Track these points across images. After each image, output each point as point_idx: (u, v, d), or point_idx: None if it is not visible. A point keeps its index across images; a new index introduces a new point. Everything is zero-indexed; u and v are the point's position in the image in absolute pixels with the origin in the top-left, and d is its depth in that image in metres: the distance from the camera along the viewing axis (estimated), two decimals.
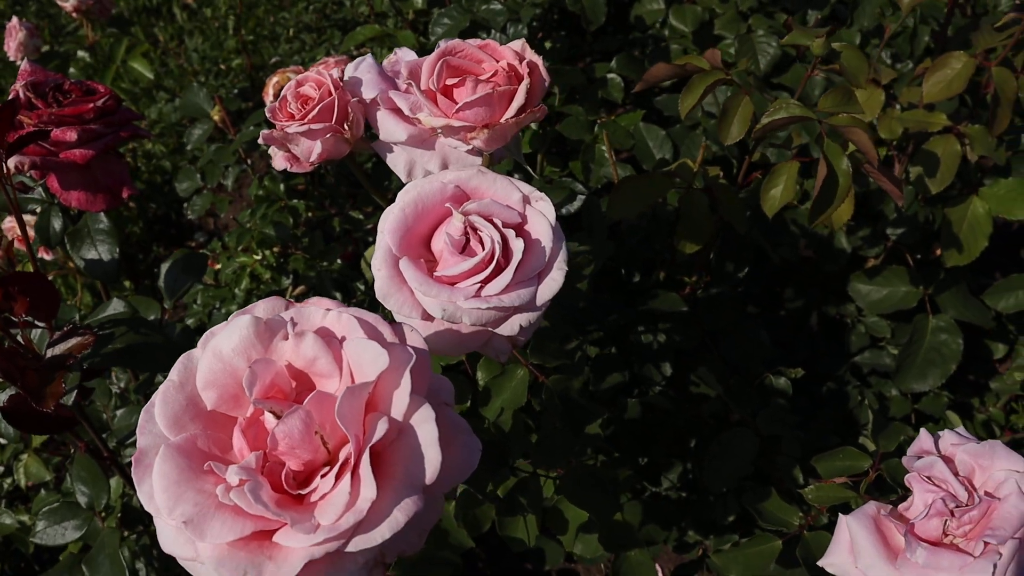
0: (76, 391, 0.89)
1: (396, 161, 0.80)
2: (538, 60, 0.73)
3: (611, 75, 1.43)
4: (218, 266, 1.47)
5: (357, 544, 0.49)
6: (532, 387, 0.91)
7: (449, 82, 0.72)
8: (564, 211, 1.20)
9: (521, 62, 0.72)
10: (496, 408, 0.90)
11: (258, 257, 1.40)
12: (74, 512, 1.00)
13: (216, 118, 1.45)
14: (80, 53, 1.60)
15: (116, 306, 0.95)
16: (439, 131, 0.72)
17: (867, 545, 0.70)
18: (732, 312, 1.15)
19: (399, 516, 0.49)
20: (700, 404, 1.14)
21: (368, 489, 0.49)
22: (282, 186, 1.43)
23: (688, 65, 0.95)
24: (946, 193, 1.20)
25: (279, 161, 0.83)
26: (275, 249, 1.40)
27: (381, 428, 0.51)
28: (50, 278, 1.34)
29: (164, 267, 1.09)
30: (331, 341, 0.56)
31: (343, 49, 1.56)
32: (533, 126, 1.46)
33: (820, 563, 0.74)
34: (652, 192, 0.99)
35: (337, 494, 0.50)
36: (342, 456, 0.51)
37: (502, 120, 0.70)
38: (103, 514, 1.00)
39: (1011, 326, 1.44)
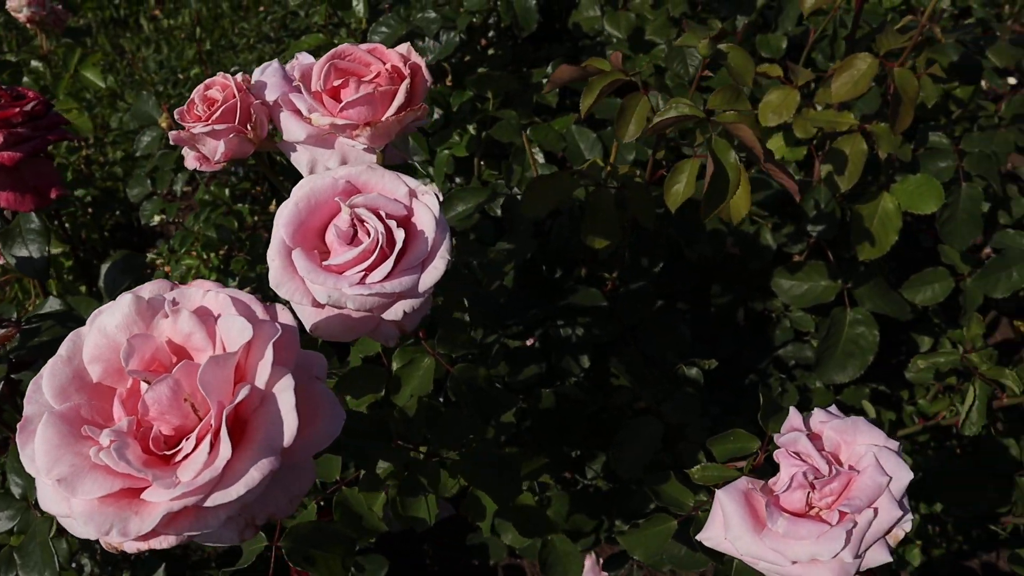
0: (4, 383, 0.93)
1: (299, 160, 0.84)
2: (421, 62, 0.78)
3: (546, 80, 1.48)
4: (168, 268, 1.51)
5: (215, 499, 0.53)
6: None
7: (336, 83, 0.77)
8: (492, 211, 1.25)
9: (405, 64, 0.77)
10: (406, 395, 0.94)
11: (205, 258, 1.44)
12: (7, 503, 1.03)
13: (164, 125, 1.49)
14: (34, 63, 1.64)
15: (52, 304, 1.00)
16: (330, 130, 0.77)
17: (736, 517, 0.74)
18: (650, 307, 1.20)
19: (255, 474, 0.53)
20: (617, 395, 1.18)
21: (225, 449, 0.53)
22: (227, 191, 1.47)
23: (588, 67, 0.99)
24: (860, 190, 1.25)
25: (190, 161, 0.87)
26: (220, 252, 1.44)
27: (241, 394, 0.55)
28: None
29: (104, 268, 1.13)
30: (207, 318, 0.60)
31: (285, 58, 1.60)
32: (471, 130, 1.51)
33: (698, 537, 0.77)
34: (561, 190, 1.03)
35: (197, 454, 0.53)
36: (205, 420, 0.55)
37: (383, 118, 0.75)
38: (37, 504, 1.03)
39: (936, 319, 1.48)
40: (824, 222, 1.30)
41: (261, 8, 2.61)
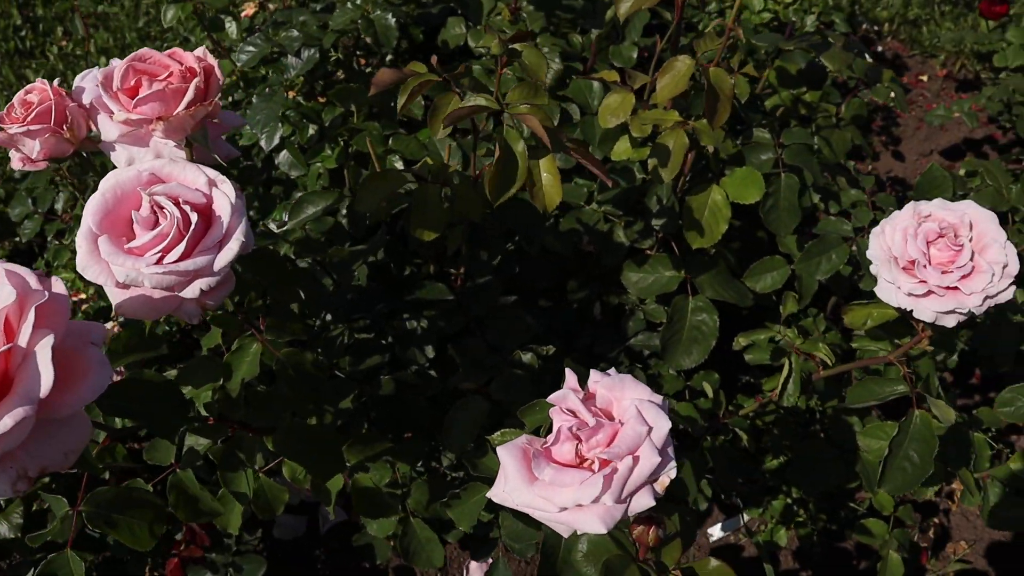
0: None
1: (118, 159, 0.90)
2: (214, 63, 0.84)
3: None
4: None
5: None
6: None
7: (133, 83, 0.83)
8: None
9: (199, 65, 0.83)
10: (238, 381, 0.99)
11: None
12: None
13: None
14: None
15: None
16: (128, 125, 0.82)
17: (512, 471, 0.80)
18: (494, 299, 1.26)
19: (8, 421, 0.58)
20: (454, 379, 1.24)
21: None
22: None
23: (406, 70, 1.06)
24: (695, 185, 1.33)
25: (16, 162, 0.92)
26: None
27: (1, 348, 0.60)
28: None
29: None
30: None
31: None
32: (340, 143, 1.58)
33: (488, 495, 0.83)
34: (388, 187, 1.10)
35: None
36: None
37: (175, 113, 0.81)
38: None
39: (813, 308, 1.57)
40: (666, 216, 1.38)
41: (168, 34, 2.67)
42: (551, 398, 0.82)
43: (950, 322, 0.92)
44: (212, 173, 0.83)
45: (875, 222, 1.46)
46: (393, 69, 1.08)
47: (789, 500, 1.62)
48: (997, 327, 1.50)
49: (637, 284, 1.40)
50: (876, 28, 3.07)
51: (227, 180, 0.82)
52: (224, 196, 0.81)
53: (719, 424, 1.29)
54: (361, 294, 1.22)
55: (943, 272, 0.90)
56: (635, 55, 1.58)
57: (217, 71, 0.84)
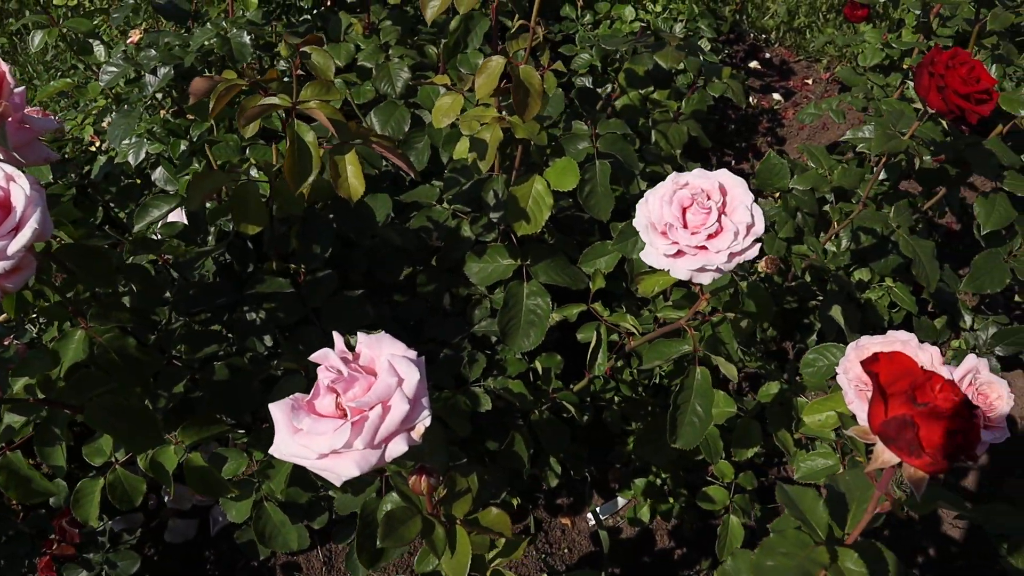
0: None
1: None
2: (5, 69, 0.91)
3: None
4: None
5: None
6: None
7: None
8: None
9: None
10: (66, 366, 1.05)
11: None
12: None
13: None
14: None
15: None
16: None
17: (281, 425, 0.86)
18: (331, 290, 1.33)
19: None
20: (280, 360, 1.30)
21: None
22: None
23: (216, 77, 1.13)
24: (522, 177, 1.42)
25: None
26: None
27: None
28: None
29: None
30: None
31: (36, 100, 1.73)
32: (207, 156, 1.64)
33: (270, 451, 0.89)
34: (212, 185, 1.17)
35: None
36: None
37: None
38: None
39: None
40: (502, 208, 1.46)
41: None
42: (313, 356, 0.89)
43: (705, 279, 1.00)
44: (10, 169, 0.89)
45: None
46: (206, 77, 1.15)
47: (650, 478, 1.70)
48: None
49: (478, 274, 1.47)
50: (764, 36, 3.21)
51: (23, 175, 0.89)
52: (20, 189, 0.88)
53: (551, 399, 1.37)
54: (204, 289, 1.28)
55: (692, 233, 0.99)
56: (481, 61, 1.66)
57: (8, 76, 0.91)
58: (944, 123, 1.49)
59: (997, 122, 1.79)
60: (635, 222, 1.04)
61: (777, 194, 1.79)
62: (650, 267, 1.03)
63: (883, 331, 2.04)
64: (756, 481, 1.53)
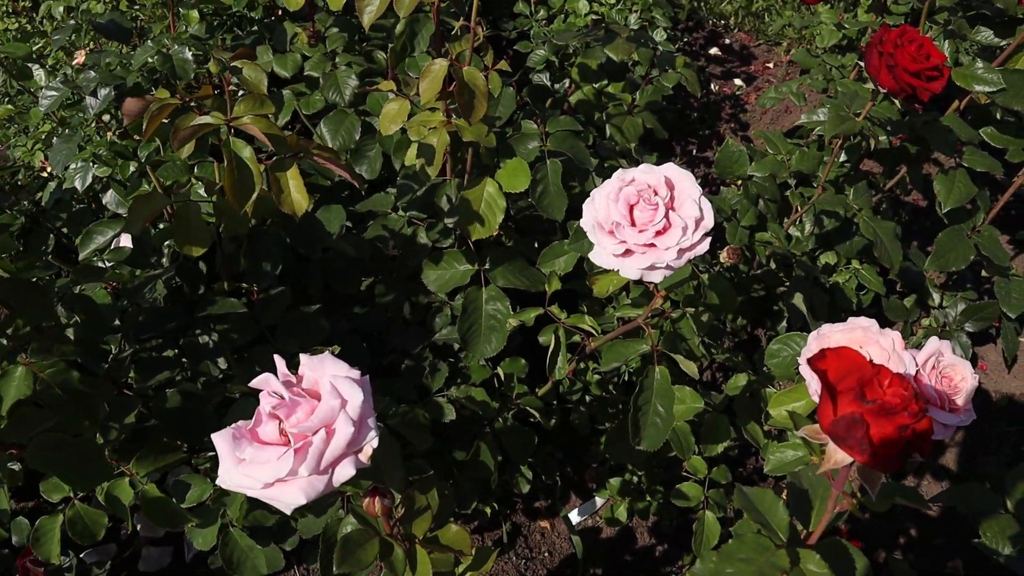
0: None
1: None
2: None
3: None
4: None
5: None
6: None
7: None
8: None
9: None
10: (8, 405, 1.02)
11: None
12: None
13: None
14: None
15: None
16: None
17: (225, 455, 0.83)
18: (282, 308, 1.30)
19: None
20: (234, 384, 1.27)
21: None
22: None
23: (149, 97, 1.10)
24: (471, 178, 1.39)
25: None
26: None
27: None
28: None
29: None
30: None
31: None
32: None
33: (217, 482, 0.86)
34: (154, 206, 1.13)
35: None
36: None
37: None
38: None
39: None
40: (455, 213, 1.43)
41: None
42: (254, 383, 0.86)
43: (656, 277, 0.98)
44: None
45: None
46: (138, 98, 1.11)
47: (626, 477, 1.68)
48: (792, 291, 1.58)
49: (436, 281, 1.45)
50: (723, 22, 3.19)
51: None
52: None
53: (515, 406, 1.34)
54: (154, 315, 1.25)
55: (640, 231, 0.96)
56: (416, 74, 1.64)
57: None
58: (897, 102, 1.47)
59: (954, 98, 1.78)
60: (582, 222, 1.01)
61: (739, 182, 1.77)
62: (602, 267, 1.00)
63: (853, 314, 2.03)
64: (730, 475, 1.51)
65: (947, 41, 1.60)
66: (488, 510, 1.61)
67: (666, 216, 0.96)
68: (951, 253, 1.68)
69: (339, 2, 1.57)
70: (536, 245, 1.78)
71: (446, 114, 1.36)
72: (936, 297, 1.94)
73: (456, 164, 1.49)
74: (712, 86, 2.93)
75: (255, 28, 2.01)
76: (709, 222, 0.97)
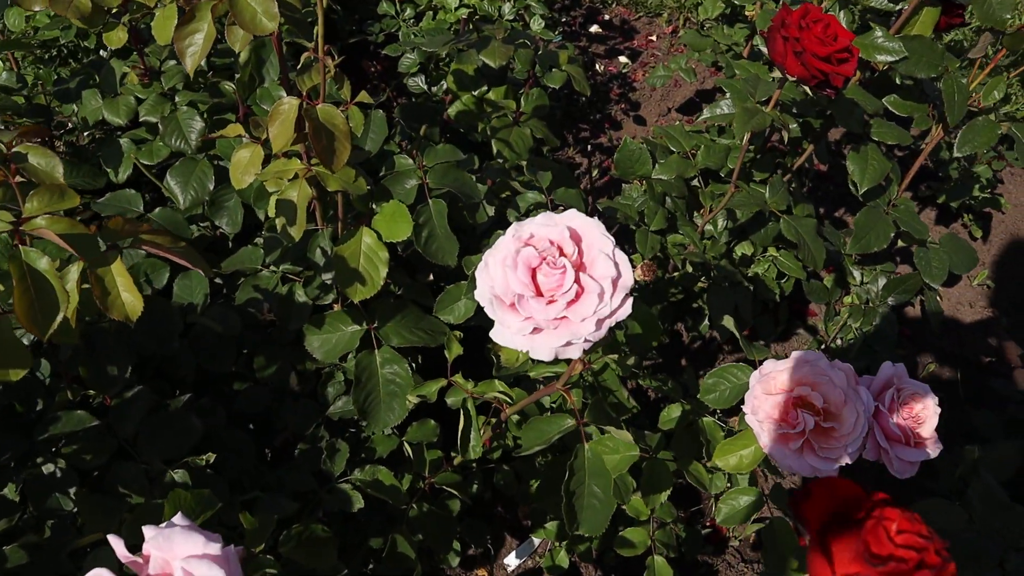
0: None
1: None
2: None
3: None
4: None
5: None
6: None
7: None
8: None
9: None
10: None
11: None
12: None
13: None
14: None
15: None
16: None
17: None
18: (142, 411, 1.10)
19: None
20: None
21: None
22: None
23: None
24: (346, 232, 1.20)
25: None
26: None
27: None
28: None
29: None
30: None
31: None
32: None
33: None
34: None
35: None
36: None
37: None
38: None
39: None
40: (332, 268, 1.25)
41: None
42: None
43: (574, 353, 0.82)
44: None
45: None
46: None
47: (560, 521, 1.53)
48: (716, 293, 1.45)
49: (321, 348, 1.26)
50: (600, 2, 3.04)
51: None
52: None
53: (428, 484, 1.17)
54: None
55: (549, 302, 0.80)
56: (284, 93, 1.43)
57: None
58: (808, 89, 1.34)
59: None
60: (477, 294, 0.84)
61: (642, 182, 1.63)
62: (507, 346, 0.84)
63: (775, 304, 1.93)
64: (675, 511, 1.38)
65: (842, 12, 1.48)
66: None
67: (576, 280, 0.80)
68: (871, 234, 1.58)
69: (167, 34, 1.35)
70: (432, 277, 1.60)
71: (307, 159, 1.17)
72: (856, 274, 1.85)
73: (328, 209, 1.30)
74: (597, 66, 2.78)
75: (90, 59, 1.76)
76: (628, 279, 0.82)
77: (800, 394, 0.95)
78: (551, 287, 0.81)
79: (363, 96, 1.13)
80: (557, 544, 1.55)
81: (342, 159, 1.09)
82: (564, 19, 2.90)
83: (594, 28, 2.90)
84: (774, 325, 1.98)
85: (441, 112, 1.77)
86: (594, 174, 2.42)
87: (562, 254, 0.82)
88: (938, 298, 1.99)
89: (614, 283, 0.81)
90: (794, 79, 1.17)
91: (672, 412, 1.29)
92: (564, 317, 0.80)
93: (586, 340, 0.81)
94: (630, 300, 0.82)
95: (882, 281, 1.83)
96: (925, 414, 0.96)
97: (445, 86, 1.70)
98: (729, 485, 1.24)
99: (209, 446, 1.19)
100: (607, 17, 2.99)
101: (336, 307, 1.35)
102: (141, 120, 1.44)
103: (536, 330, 0.81)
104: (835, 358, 1.93)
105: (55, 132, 1.88)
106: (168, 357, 1.30)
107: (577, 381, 1.16)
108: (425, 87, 2.04)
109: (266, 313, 1.35)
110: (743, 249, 1.74)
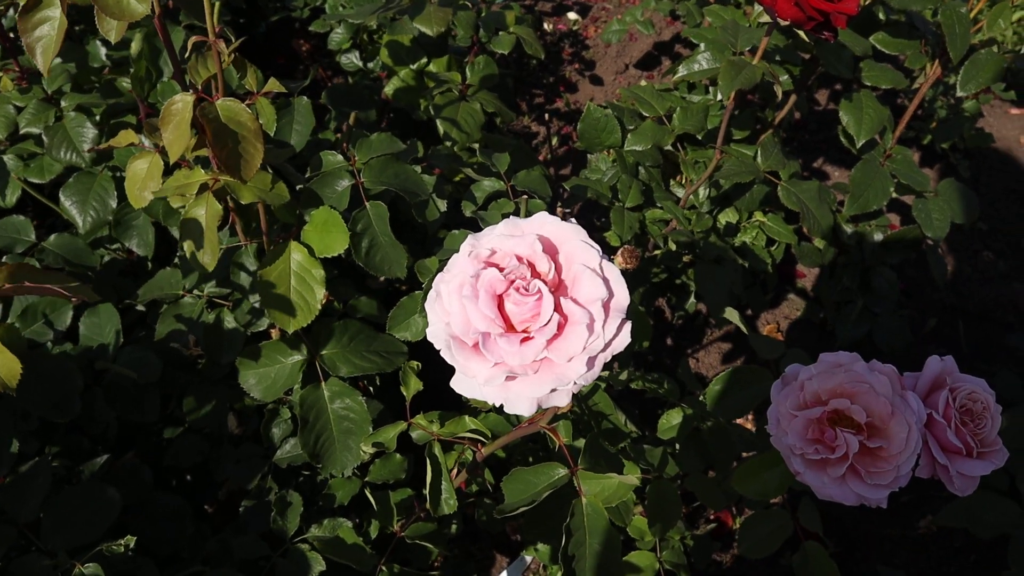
0: None
1: None
2: None
3: None
4: None
5: None
6: None
7: None
8: None
9: None
10: None
11: None
12: None
13: None
14: None
15: None
16: None
17: None
18: (44, 489, 0.90)
19: None
20: None
21: None
22: None
23: None
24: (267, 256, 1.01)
25: None
26: None
27: None
28: None
29: None
30: None
31: None
32: None
33: None
34: None
35: None
36: None
37: None
38: None
39: None
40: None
41: None
42: None
43: (562, 400, 0.64)
44: None
45: (515, 212, 1.20)
46: None
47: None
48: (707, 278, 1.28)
49: (258, 385, 1.07)
50: None
51: None
52: None
53: (398, 539, 0.99)
54: None
55: (524, 340, 0.62)
56: (179, 89, 1.22)
57: None
58: (803, 33, 1.16)
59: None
60: (430, 333, 0.65)
61: (611, 151, 1.44)
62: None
63: (764, 275, 1.76)
64: (684, 528, 1.21)
65: None
66: None
67: (557, 307, 0.62)
68: (869, 191, 1.41)
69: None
70: (383, 280, 1.41)
71: (217, 167, 0.97)
72: (848, 230, 1.68)
73: (250, 222, 1.10)
74: (545, 25, 2.58)
75: None
76: (623, 299, 0.64)
77: (837, 407, 0.78)
78: (524, 319, 0.63)
79: (273, 84, 0.93)
80: (552, 567, 1.39)
81: (253, 165, 0.89)
82: None
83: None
84: (763, 295, 1.82)
85: (379, 92, 1.57)
86: (554, 143, 2.22)
87: (535, 274, 0.64)
88: (939, 251, 1.83)
89: (605, 307, 0.63)
90: (787, 22, 0.99)
91: (672, 419, 1.11)
92: (545, 358, 0.62)
93: (575, 384, 0.63)
94: (628, 325, 0.64)
95: (878, 237, 1.67)
96: (986, 415, 0.79)
97: (380, 61, 1.49)
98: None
99: (133, 519, 1.00)
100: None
101: (274, 333, 1.16)
102: (22, 132, 1.22)
103: (510, 377, 0.62)
104: (835, 325, 1.78)
105: None
106: (84, 411, 1.11)
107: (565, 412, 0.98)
108: (360, 64, 1.83)
109: (193, 347, 1.16)
110: (727, 217, 1.57)
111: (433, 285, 0.66)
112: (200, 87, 0.90)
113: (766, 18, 1.13)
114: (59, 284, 0.77)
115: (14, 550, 0.92)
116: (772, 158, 1.23)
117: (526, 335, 0.62)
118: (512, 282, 0.63)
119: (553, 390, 0.62)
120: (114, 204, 1.21)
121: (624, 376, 0.95)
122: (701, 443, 1.08)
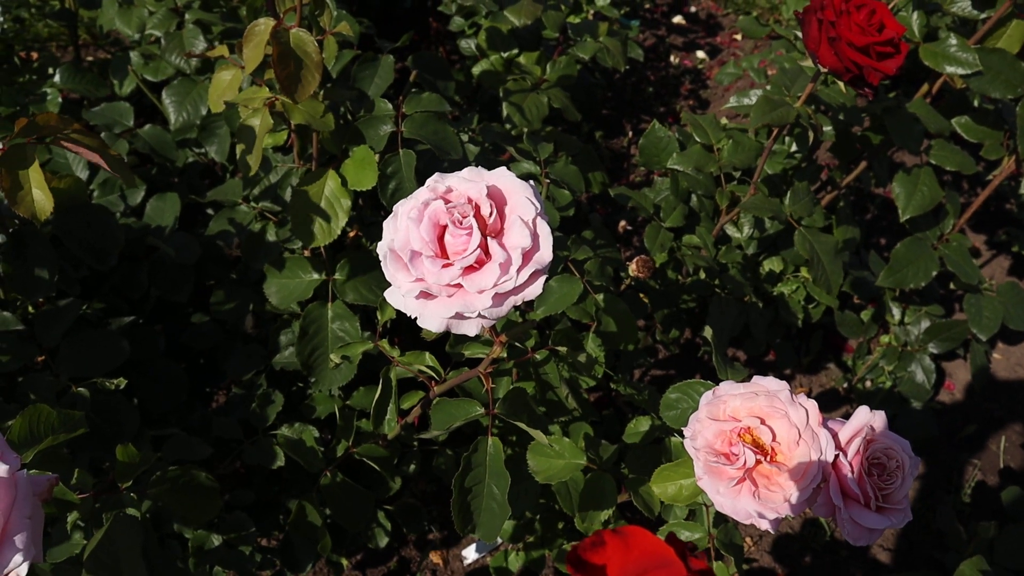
0: None
1: None
2: None
3: None
4: None
5: None
6: None
7: None
8: None
9: None
10: None
11: None
12: None
13: None
14: None
15: None
16: None
17: None
18: (67, 323, 1.04)
19: None
20: None
21: None
22: None
23: None
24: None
25: None
26: None
27: None
28: None
29: None
30: None
31: None
32: None
33: None
34: None
35: None
36: None
37: None
38: None
39: None
40: None
41: None
42: None
43: (468, 329, 0.71)
44: None
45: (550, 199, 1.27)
46: None
47: (520, 521, 1.42)
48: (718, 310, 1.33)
49: (277, 293, 1.18)
50: None
51: None
52: None
53: (349, 455, 1.08)
54: None
55: (444, 266, 0.70)
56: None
57: None
58: (842, 85, 1.19)
59: (924, 80, 1.51)
60: (379, 246, 0.74)
61: (667, 172, 1.50)
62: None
63: (797, 329, 1.77)
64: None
65: (916, 12, 1.32)
66: (344, 563, 1.35)
67: (483, 246, 0.70)
68: (909, 268, 1.42)
69: None
70: None
71: (279, 87, 1.09)
72: (896, 312, 1.68)
73: (306, 147, 1.22)
74: (672, 58, 2.64)
75: None
76: (545, 254, 0.71)
77: (748, 425, 0.82)
78: (457, 251, 0.71)
79: (343, 27, 1.04)
80: (511, 547, 1.45)
81: (307, 89, 1.00)
82: (647, 5, 2.76)
83: (677, 19, 2.75)
84: (798, 354, 1.82)
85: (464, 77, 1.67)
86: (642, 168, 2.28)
87: (478, 216, 0.72)
88: (988, 352, 1.80)
89: (525, 255, 0.70)
90: (826, 70, 1.03)
91: (640, 425, 1.16)
92: (459, 285, 0.70)
93: (481, 315, 0.70)
94: (542, 279, 0.71)
95: (924, 324, 1.66)
96: (897, 474, 0.82)
97: (476, 43, 1.60)
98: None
99: (139, 375, 1.13)
100: (693, 9, 2.84)
101: (305, 254, 1.27)
102: (147, 32, 1.39)
103: (428, 295, 0.71)
104: (860, 402, 1.77)
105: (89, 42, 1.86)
106: (130, 277, 1.25)
107: (528, 373, 1.05)
108: (476, 52, 1.94)
109: (234, 249, 1.28)
110: (772, 265, 1.59)
111: (394, 208, 0.75)
112: (283, 15, 1.02)
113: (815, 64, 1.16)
114: (96, 145, 0.90)
115: (31, 369, 1.06)
116: (800, 204, 1.26)
117: (448, 263, 0.70)
118: (453, 216, 0.71)
119: (459, 315, 0.70)
120: (204, 111, 1.36)
121: (583, 358, 1.00)
122: (659, 452, 1.13)
